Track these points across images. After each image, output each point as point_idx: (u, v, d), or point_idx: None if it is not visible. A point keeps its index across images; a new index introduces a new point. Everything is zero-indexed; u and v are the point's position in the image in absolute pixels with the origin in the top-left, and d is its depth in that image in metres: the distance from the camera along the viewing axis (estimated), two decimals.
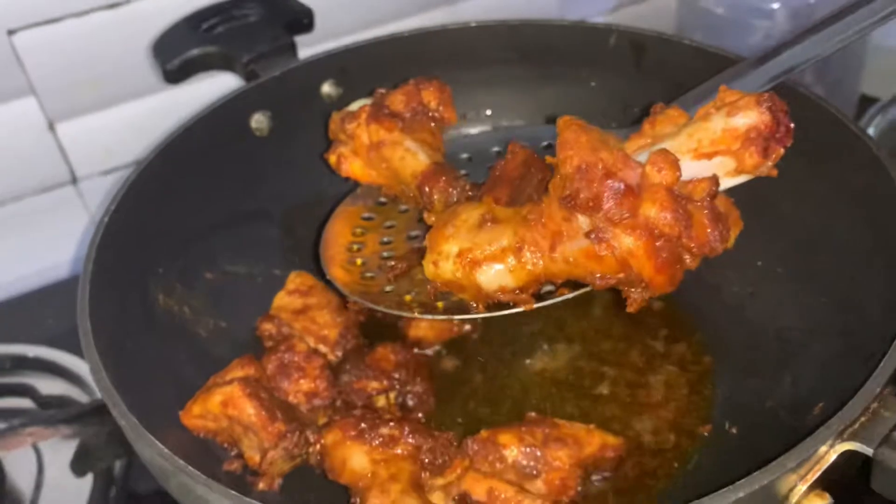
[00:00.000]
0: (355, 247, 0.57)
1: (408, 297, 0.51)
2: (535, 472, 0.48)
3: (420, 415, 0.55)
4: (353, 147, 0.58)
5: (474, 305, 0.48)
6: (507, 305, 0.48)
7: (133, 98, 0.72)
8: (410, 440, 0.47)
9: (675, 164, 0.41)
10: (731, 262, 0.60)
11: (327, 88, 0.66)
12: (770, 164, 0.43)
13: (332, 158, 0.59)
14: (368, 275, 0.54)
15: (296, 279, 0.61)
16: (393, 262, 0.54)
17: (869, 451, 0.35)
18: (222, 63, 0.66)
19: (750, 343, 0.56)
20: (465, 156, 0.61)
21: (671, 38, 0.63)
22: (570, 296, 0.48)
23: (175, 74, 0.65)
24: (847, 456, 0.36)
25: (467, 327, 0.61)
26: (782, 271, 0.57)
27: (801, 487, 0.35)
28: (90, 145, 0.73)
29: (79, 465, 0.58)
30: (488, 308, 0.48)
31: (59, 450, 0.59)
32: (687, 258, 0.42)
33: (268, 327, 0.58)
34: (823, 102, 0.54)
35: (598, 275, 0.43)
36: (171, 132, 0.59)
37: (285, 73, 0.64)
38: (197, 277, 0.59)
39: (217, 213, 0.61)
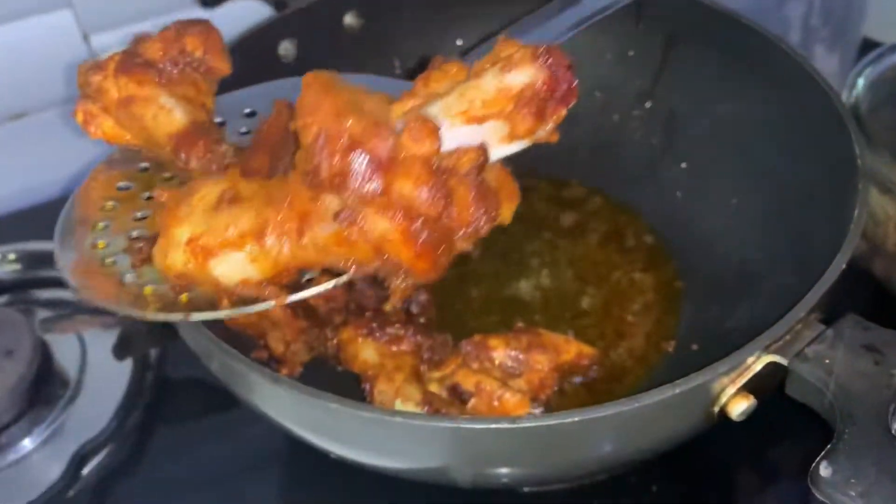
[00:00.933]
0: (101, 224, 0.48)
1: (148, 290, 0.44)
2: (517, 373, 0.55)
3: (423, 319, 0.62)
4: (102, 103, 0.49)
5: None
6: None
7: (167, 12, 0.74)
8: (413, 339, 0.54)
9: (433, 132, 0.36)
10: (708, 198, 0.67)
11: (349, 19, 0.71)
12: (549, 126, 0.39)
13: (79, 116, 0.51)
14: (109, 260, 0.46)
15: None
16: (141, 245, 0.45)
17: (785, 361, 0.42)
18: None
19: (716, 272, 0.63)
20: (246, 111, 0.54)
21: None
22: (328, 285, 0.42)
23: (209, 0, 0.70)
24: (771, 367, 0.43)
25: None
26: (750, 207, 0.63)
27: (731, 390, 0.43)
28: None
29: (120, 350, 0.65)
30: (237, 304, 0.42)
31: (100, 336, 0.66)
32: (456, 239, 0.38)
33: None
34: (777, 40, 0.60)
35: (353, 262, 0.38)
36: None
37: (311, 4, 0.69)
38: None
39: None
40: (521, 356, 0.55)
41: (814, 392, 0.41)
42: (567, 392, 0.57)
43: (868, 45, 0.83)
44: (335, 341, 0.56)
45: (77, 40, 0.74)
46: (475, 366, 0.55)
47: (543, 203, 0.72)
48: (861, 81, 0.65)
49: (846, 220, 0.50)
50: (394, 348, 0.54)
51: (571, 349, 0.57)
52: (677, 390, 0.41)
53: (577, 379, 0.58)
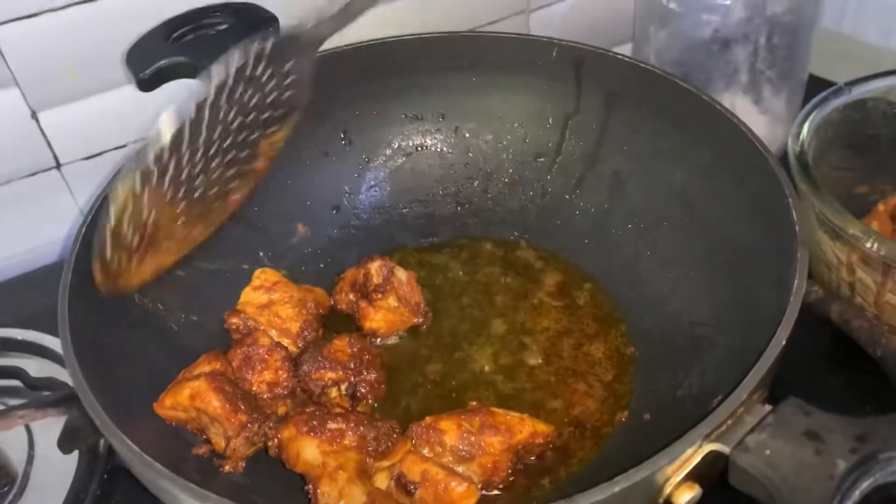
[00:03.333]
0: None
1: None
2: (469, 456, 0.54)
3: (371, 401, 0.61)
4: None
5: None
6: None
7: (112, 88, 0.76)
8: (357, 431, 0.53)
9: None
10: (657, 260, 0.66)
11: None
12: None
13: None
14: None
15: (261, 275, 0.67)
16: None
17: (726, 451, 0.41)
18: (191, 72, 0.70)
19: (667, 336, 0.62)
20: None
21: (606, 53, 0.68)
22: None
23: (148, 83, 0.69)
24: (712, 456, 0.42)
25: (418, 319, 0.66)
26: (699, 269, 0.63)
27: (675, 479, 0.42)
28: (72, 133, 0.77)
29: (65, 443, 0.62)
30: None
31: (49, 428, 0.63)
32: None
33: (234, 321, 0.64)
34: (712, 101, 0.61)
35: None
36: (142, 137, 0.64)
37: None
38: (170, 274, 0.64)
39: None
40: (473, 438, 0.54)
41: (756, 484, 0.40)
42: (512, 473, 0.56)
43: (815, 82, 0.84)
44: (276, 441, 0.54)
45: (25, 118, 0.75)
46: (426, 451, 0.54)
47: (494, 266, 0.71)
48: (807, 126, 0.64)
49: (787, 288, 0.49)
50: (335, 445, 0.53)
51: (525, 428, 0.56)
52: (617, 488, 0.40)
53: (531, 458, 0.57)
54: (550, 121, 0.72)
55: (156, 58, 0.69)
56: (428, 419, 0.55)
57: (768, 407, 0.43)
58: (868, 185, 0.70)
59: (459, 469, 0.53)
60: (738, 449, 0.40)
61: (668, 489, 0.42)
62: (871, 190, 0.70)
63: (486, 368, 0.64)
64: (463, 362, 0.64)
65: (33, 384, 0.66)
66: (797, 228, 0.52)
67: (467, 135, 0.75)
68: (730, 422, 0.42)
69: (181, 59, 0.69)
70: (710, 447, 0.41)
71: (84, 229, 0.57)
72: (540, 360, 0.64)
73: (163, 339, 0.62)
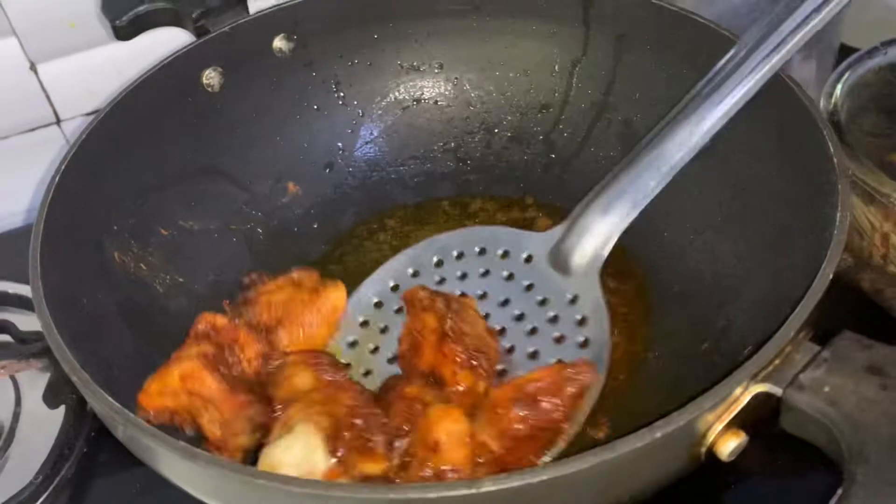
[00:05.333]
0: None
1: None
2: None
3: None
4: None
5: None
6: None
7: (112, 40, 0.71)
8: (357, 400, 0.47)
9: None
10: (674, 212, 0.62)
11: (279, 43, 0.66)
12: None
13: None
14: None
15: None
16: None
17: (778, 391, 0.37)
18: (172, 19, 0.66)
19: (688, 289, 0.58)
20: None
21: None
22: None
23: (125, 31, 0.65)
24: (761, 398, 0.38)
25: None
26: (722, 219, 0.59)
27: (718, 426, 0.38)
28: (72, 87, 0.74)
29: (51, 397, 0.60)
30: None
31: (37, 384, 0.61)
32: None
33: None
34: (735, 38, 0.56)
35: None
36: (122, 88, 0.59)
37: (235, 28, 0.64)
38: (152, 234, 0.60)
39: (170, 170, 0.61)
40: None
41: (814, 425, 0.36)
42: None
43: (846, 51, 0.80)
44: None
45: (24, 69, 0.71)
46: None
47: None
48: (840, 87, 0.61)
49: (827, 225, 0.45)
50: (330, 391, 0.47)
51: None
52: (658, 434, 0.35)
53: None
54: (556, 68, 0.68)
55: (132, 4, 0.65)
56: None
57: (818, 346, 0.39)
58: None
59: None
60: (791, 388, 0.36)
61: (711, 437, 0.38)
62: None
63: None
64: None
65: (22, 338, 0.63)
66: (835, 161, 0.48)
67: (467, 86, 0.71)
68: (777, 361, 0.38)
69: (161, 5, 0.65)
70: (758, 388, 0.37)
71: (59, 176, 0.52)
72: None
73: (147, 300, 0.57)
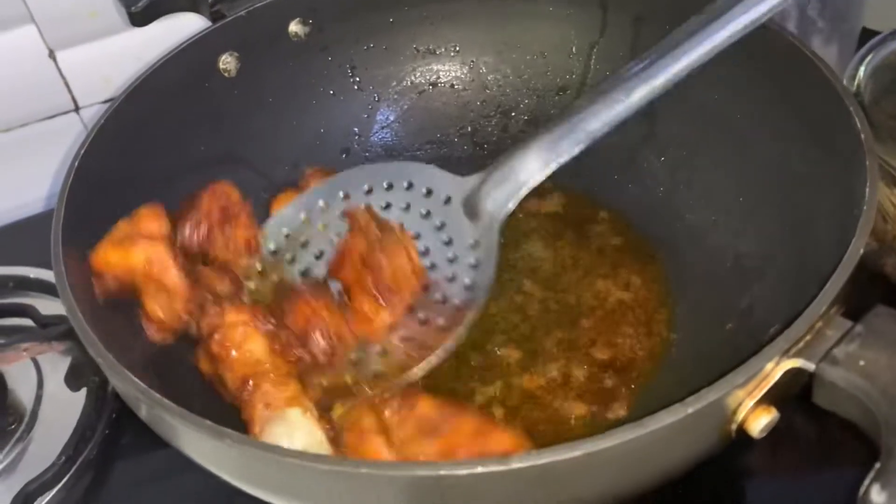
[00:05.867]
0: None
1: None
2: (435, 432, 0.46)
3: None
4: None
5: None
6: None
7: (132, 27, 0.70)
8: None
9: None
10: (695, 193, 0.62)
11: (295, 27, 0.66)
12: None
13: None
14: None
15: None
16: None
17: (811, 366, 0.36)
18: (188, 4, 0.65)
19: (710, 271, 0.57)
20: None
21: None
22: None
23: (140, 17, 0.64)
24: (793, 373, 0.37)
25: None
26: (744, 200, 0.58)
27: (749, 403, 0.37)
28: (91, 74, 0.74)
29: (73, 380, 0.60)
30: None
31: (59, 367, 0.61)
32: None
33: None
34: (783, 31, 0.55)
35: None
36: (138, 75, 0.59)
37: (251, 13, 0.63)
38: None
39: (188, 155, 0.61)
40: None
41: (849, 400, 0.35)
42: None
43: (868, 36, 0.79)
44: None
45: (43, 57, 0.72)
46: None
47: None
48: (863, 69, 0.60)
49: (855, 202, 0.45)
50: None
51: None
52: (690, 410, 0.35)
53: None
54: (574, 50, 0.67)
55: None
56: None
57: (851, 321, 0.38)
58: None
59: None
60: (824, 362, 0.36)
61: (741, 414, 0.37)
62: None
63: (513, 312, 0.59)
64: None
65: (43, 322, 0.64)
66: (862, 137, 0.47)
67: (484, 69, 0.70)
68: (808, 336, 0.38)
69: None
70: (790, 363, 0.37)
71: (79, 160, 0.52)
72: (572, 300, 0.59)
73: None
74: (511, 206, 0.55)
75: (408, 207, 0.58)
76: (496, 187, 0.55)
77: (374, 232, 0.53)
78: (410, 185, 0.58)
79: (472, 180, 0.56)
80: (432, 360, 0.49)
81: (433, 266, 0.55)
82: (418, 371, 0.49)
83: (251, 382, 0.46)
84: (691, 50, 0.51)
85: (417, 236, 0.56)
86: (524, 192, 0.55)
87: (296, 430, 0.44)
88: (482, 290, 0.53)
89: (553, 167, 0.54)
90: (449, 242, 0.56)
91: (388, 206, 0.58)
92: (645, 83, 0.52)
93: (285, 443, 0.43)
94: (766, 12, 0.49)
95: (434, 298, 0.53)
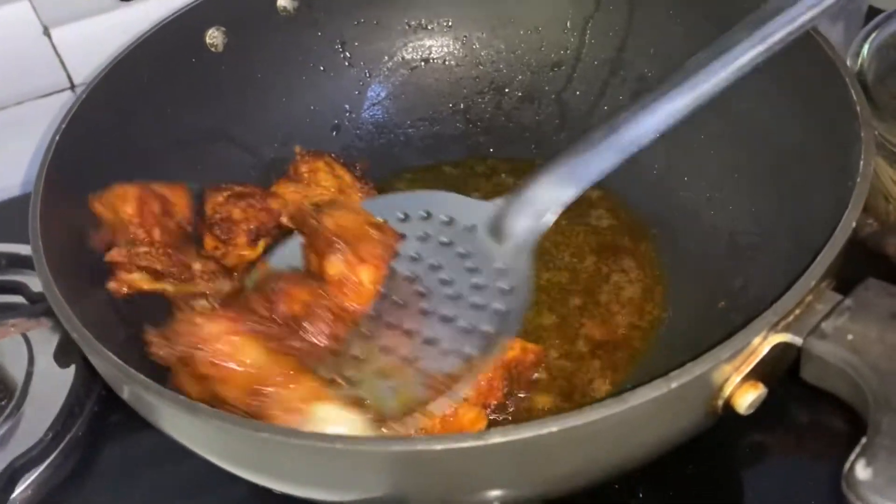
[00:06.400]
0: None
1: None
2: None
3: None
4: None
5: None
6: None
7: (126, 4, 0.72)
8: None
9: None
10: (690, 170, 0.61)
11: (283, 2, 0.65)
12: None
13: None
14: None
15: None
16: None
17: (798, 341, 0.35)
18: None
19: (704, 249, 0.56)
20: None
21: None
22: None
23: None
24: (781, 348, 0.36)
25: None
26: (739, 176, 0.57)
27: (736, 378, 0.36)
28: (86, 51, 0.73)
29: (61, 356, 0.60)
30: None
31: (50, 343, 0.61)
32: None
33: None
34: None
35: None
36: (123, 49, 0.58)
37: None
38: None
39: (174, 132, 0.60)
40: None
41: (836, 375, 0.34)
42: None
43: (874, 14, 0.77)
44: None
45: (37, 34, 0.71)
46: None
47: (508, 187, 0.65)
48: (866, 48, 0.59)
49: (850, 176, 0.44)
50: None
51: (516, 345, 0.51)
52: (674, 384, 0.34)
53: (533, 375, 0.52)
54: (568, 24, 0.66)
55: None
56: None
57: (840, 295, 0.37)
58: None
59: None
60: (812, 336, 0.35)
61: (728, 389, 0.36)
62: None
63: None
64: None
65: (34, 298, 0.64)
66: (858, 109, 0.46)
67: (477, 45, 0.69)
68: (798, 311, 0.37)
69: None
70: (777, 338, 0.36)
71: (59, 135, 0.51)
72: (564, 279, 0.58)
73: None
74: (544, 227, 0.50)
75: (426, 237, 0.53)
76: (524, 209, 0.50)
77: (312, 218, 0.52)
78: (429, 215, 0.54)
79: (496, 204, 0.52)
80: (464, 387, 0.45)
81: (458, 296, 0.50)
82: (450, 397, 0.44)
83: (260, 392, 0.41)
84: (699, 84, 0.50)
85: (438, 266, 0.52)
86: (557, 212, 0.50)
87: (330, 425, 0.40)
88: (516, 314, 0.48)
89: (586, 186, 0.49)
90: (474, 271, 0.51)
91: (403, 236, 0.53)
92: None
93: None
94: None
95: (459, 326, 0.48)
